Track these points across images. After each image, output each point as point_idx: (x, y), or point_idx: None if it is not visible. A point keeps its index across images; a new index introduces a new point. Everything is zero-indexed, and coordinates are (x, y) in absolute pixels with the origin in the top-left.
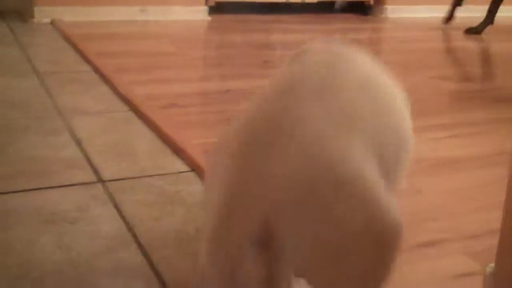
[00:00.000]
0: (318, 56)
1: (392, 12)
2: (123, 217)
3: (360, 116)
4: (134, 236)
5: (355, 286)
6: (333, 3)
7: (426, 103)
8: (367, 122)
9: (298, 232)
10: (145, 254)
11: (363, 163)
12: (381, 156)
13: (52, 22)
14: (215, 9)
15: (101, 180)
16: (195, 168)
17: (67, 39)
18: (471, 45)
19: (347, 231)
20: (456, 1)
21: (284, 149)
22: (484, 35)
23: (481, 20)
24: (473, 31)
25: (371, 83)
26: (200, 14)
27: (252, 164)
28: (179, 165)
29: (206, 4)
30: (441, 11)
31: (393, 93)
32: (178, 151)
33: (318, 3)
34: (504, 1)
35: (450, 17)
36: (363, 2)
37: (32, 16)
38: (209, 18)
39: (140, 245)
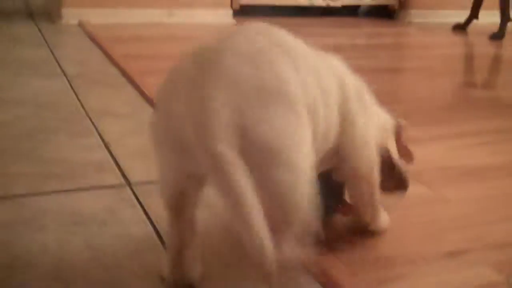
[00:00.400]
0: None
1: (417, 16)
2: (150, 220)
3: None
4: (162, 239)
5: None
6: (357, 7)
7: (451, 110)
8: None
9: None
10: None
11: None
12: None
13: (80, 24)
14: (239, 12)
15: (129, 183)
16: None
17: (94, 40)
18: (494, 51)
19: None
20: (473, 14)
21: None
22: (507, 40)
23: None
24: (497, 36)
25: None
26: (225, 17)
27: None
28: None
29: (231, 7)
30: (466, 16)
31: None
32: None
33: (342, 6)
34: None
35: (463, 27)
36: (387, 6)
37: (60, 17)
38: (234, 21)
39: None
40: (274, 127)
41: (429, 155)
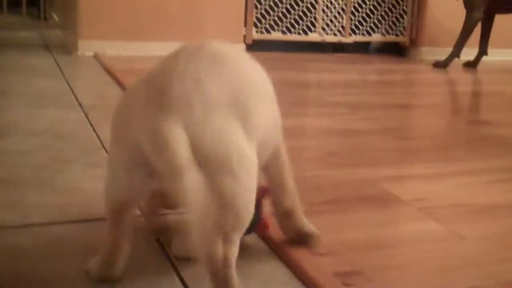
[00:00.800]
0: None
1: (428, 53)
2: (165, 252)
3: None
4: (176, 270)
5: None
6: (369, 44)
7: (462, 148)
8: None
9: None
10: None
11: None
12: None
13: (95, 56)
14: (252, 47)
15: (143, 213)
16: None
17: (110, 72)
18: (506, 88)
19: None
20: (481, 50)
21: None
22: None
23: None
24: (441, 65)
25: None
26: None
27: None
28: None
29: (244, 41)
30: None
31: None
32: None
33: (353, 43)
34: None
35: (473, 64)
36: (398, 43)
37: (76, 49)
38: None
39: (182, 279)
40: (220, 140)
41: (441, 192)
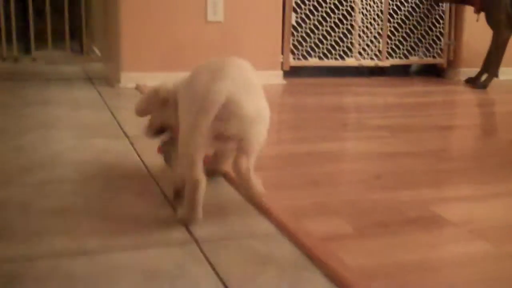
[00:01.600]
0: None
1: (465, 74)
2: (219, 277)
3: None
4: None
5: None
6: (405, 66)
7: (507, 168)
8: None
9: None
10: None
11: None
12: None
13: (137, 87)
14: (289, 73)
15: (195, 240)
16: (282, 228)
17: None
18: None
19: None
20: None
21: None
22: None
23: None
24: (481, 85)
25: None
26: (276, 78)
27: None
28: (267, 226)
29: (281, 68)
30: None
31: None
32: (265, 213)
33: (391, 66)
34: None
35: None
36: (436, 65)
37: (119, 81)
38: (284, 82)
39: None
40: (254, 104)
41: (491, 212)
